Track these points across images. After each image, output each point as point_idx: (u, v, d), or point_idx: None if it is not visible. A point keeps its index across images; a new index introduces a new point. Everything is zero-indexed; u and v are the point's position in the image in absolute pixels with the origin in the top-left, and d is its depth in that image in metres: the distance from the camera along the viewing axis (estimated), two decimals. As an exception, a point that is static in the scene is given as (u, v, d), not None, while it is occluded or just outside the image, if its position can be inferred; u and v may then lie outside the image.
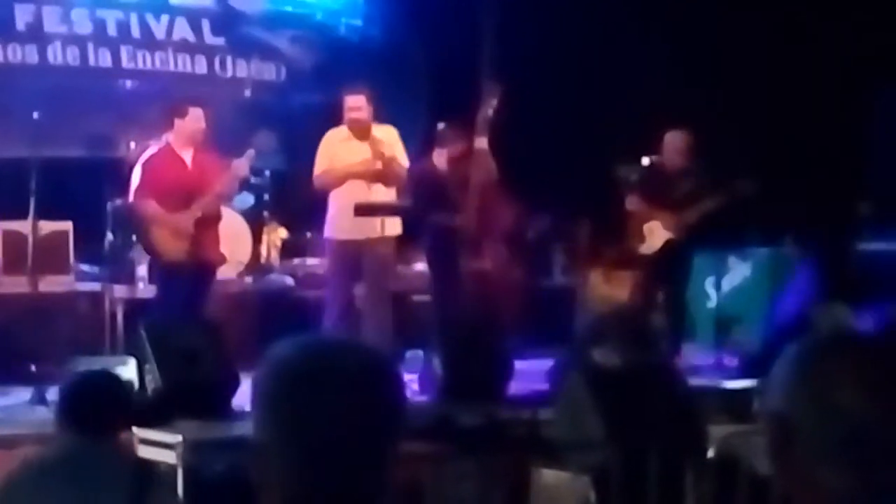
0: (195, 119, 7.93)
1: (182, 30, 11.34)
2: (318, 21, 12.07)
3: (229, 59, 11.56)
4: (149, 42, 11.14)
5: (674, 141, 8.85)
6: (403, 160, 8.30)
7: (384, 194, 8.24)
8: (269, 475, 1.65)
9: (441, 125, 8.63)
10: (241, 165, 7.98)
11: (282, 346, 1.70)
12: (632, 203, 8.88)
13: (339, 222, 8.24)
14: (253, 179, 10.00)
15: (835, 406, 1.57)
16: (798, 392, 1.60)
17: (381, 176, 8.17)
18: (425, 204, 8.47)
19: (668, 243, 8.73)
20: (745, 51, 10.69)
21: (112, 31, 10.95)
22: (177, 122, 7.95)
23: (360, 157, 8.19)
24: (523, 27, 10.95)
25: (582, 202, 9.06)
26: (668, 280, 8.85)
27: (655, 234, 8.79)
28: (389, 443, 1.67)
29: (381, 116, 8.35)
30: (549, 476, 5.57)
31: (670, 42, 10.61)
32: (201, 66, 11.44)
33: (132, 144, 9.22)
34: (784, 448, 1.60)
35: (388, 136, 8.26)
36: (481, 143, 8.40)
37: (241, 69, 11.60)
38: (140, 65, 11.06)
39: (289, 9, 11.98)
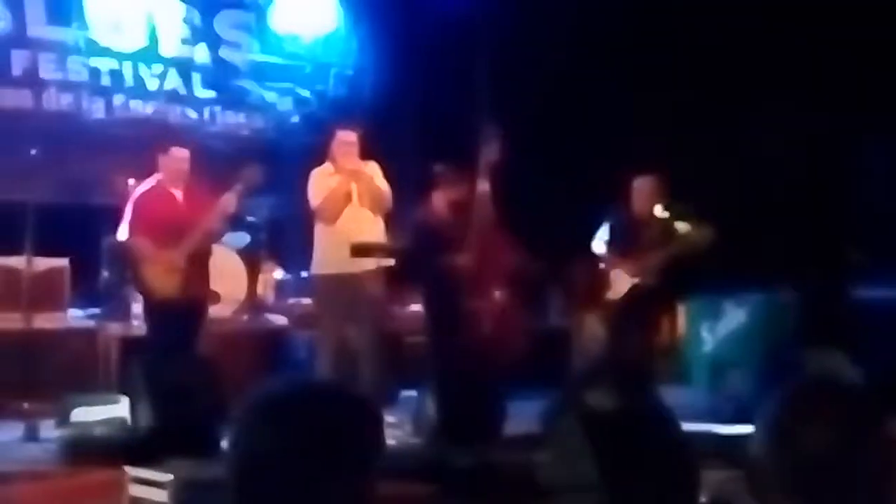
0: (178, 158, 8.06)
1: (173, 81, 11.49)
2: (307, 74, 12.19)
3: (220, 111, 11.71)
4: (141, 91, 11.27)
5: (641, 187, 8.88)
6: (388, 194, 8.20)
7: (374, 224, 8.17)
8: None
9: (438, 167, 8.65)
10: (230, 201, 8.00)
11: (258, 387, 1.71)
12: (599, 249, 8.93)
13: (328, 256, 8.12)
14: (249, 218, 10.02)
15: (789, 441, 1.71)
16: (762, 431, 1.77)
17: (370, 205, 8.12)
18: (425, 246, 8.46)
19: (633, 289, 8.75)
20: (742, 97, 10.73)
21: (106, 79, 11.08)
22: (161, 160, 8.05)
23: (348, 189, 8.13)
24: (518, 73, 11.00)
25: (579, 244, 9.06)
26: (639, 324, 8.85)
27: (620, 281, 8.82)
28: (351, 482, 1.65)
29: (370, 158, 8.28)
30: (541, 519, 5.53)
31: (664, 86, 10.65)
32: (192, 118, 11.58)
33: (129, 182, 9.22)
34: (752, 485, 1.69)
35: (371, 170, 8.21)
36: (483, 186, 8.43)
37: (231, 120, 11.77)
38: (132, 113, 11.18)
39: (279, 61, 12.07)
